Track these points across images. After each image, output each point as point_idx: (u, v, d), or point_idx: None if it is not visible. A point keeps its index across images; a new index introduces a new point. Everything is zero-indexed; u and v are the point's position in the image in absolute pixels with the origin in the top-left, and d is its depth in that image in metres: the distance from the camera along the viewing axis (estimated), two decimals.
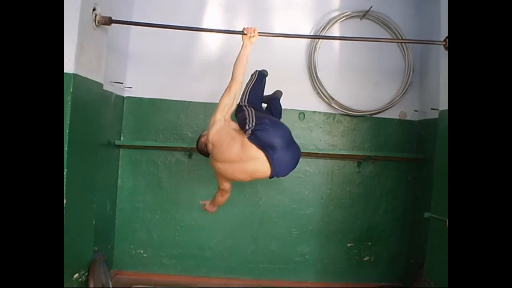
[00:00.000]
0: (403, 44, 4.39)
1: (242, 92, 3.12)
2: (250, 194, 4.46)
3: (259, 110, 3.08)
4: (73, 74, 2.82)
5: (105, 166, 4.04)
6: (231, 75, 3.03)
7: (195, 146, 3.26)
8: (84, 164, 3.14)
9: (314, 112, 4.46)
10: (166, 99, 4.39)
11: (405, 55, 4.39)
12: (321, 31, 4.32)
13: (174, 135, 4.37)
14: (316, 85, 4.36)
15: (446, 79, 2.84)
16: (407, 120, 4.50)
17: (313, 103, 4.45)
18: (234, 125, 3.01)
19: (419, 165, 4.37)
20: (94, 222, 3.43)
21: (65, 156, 2.81)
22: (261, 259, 4.49)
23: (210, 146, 2.97)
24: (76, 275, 3.11)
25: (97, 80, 3.22)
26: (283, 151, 2.73)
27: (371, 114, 4.45)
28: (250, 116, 2.88)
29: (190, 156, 4.30)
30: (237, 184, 4.28)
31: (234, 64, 3.00)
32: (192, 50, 4.39)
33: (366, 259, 4.53)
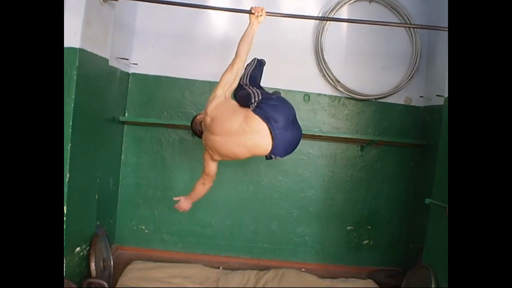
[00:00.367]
0: (411, 29, 4.35)
1: (242, 74, 3.06)
2: (252, 174, 4.48)
3: (262, 90, 3.02)
4: (79, 48, 2.82)
5: (109, 142, 4.06)
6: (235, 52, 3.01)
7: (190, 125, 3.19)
8: (88, 139, 3.16)
9: (319, 94, 4.44)
10: (171, 77, 4.38)
11: (412, 40, 4.35)
12: (329, 13, 4.27)
13: (178, 113, 4.37)
14: (322, 68, 4.33)
15: None
16: (412, 105, 4.48)
17: (318, 86, 4.43)
18: (234, 102, 2.94)
19: (422, 151, 4.37)
20: (97, 197, 3.47)
21: (69, 130, 2.84)
22: (261, 238, 4.53)
23: (208, 120, 2.87)
24: (78, 248, 3.15)
25: (103, 56, 3.21)
26: (286, 129, 2.66)
27: (376, 99, 4.44)
28: (255, 92, 2.80)
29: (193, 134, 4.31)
30: (239, 164, 4.33)
31: (239, 42, 2.96)
32: (199, 28, 4.36)
33: (365, 242, 4.56)
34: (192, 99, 4.38)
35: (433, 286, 3.00)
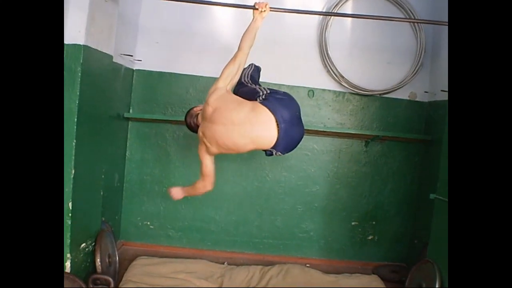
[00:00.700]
0: (416, 24, 4.33)
1: (242, 73, 3.03)
2: (257, 169, 4.48)
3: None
4: (84, 45, 2.83)
5: (114, 138, 4.08)
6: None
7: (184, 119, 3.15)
8: (93, 135, 3.18)
9: (323, 90, 4.43)
10: (176, 73, 4.38)
11: (417, 35, 4.33)
12: (333, 8, 4.26)
13: (182, 108, 4.36)
14: (326, 63, 4.33)
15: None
16: (417, 101, 4.47)
17: (323, 81, 4.42)
18: (235, 96, 2.88)
19: (427, 147, 4.36)
20: (102, 193, 3.49)
21: (74, 127, 2.85)
22: (266, 234, 4.54)
23: (209, 109, 2.79)
24: (83, 244, 3.18)
25: (107, 52, 3.22)
26: (292, 124, 2.63)
27: (380, 94, 4.42)
28: (261, 87, 2.78)
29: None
30: (243, 160, 4.34)
31: (242, 36, 2.94)
32: (203, 24, 4.36)
33: (370, 238, 4.56)
34: (197, 95, 4.37)
35: (437, 281, 3.00)
